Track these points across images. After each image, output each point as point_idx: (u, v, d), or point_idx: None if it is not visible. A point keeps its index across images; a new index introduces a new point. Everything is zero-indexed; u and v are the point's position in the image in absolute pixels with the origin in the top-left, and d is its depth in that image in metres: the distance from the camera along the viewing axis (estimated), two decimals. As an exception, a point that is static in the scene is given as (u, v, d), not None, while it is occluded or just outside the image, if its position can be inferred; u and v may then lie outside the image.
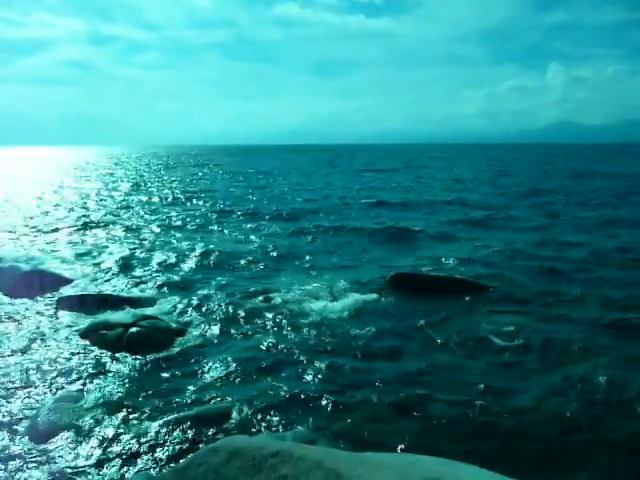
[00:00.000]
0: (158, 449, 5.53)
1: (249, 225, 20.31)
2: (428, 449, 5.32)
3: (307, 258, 14.43)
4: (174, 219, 22.00)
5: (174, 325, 9.19)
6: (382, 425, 6.04)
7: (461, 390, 6.85)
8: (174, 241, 17.14)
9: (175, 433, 5.80)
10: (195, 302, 10.49)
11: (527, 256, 14.45)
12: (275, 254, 14.99)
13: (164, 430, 5.85)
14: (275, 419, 6.17)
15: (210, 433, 5.81)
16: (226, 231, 19.19)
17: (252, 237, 17.77)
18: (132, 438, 5.72)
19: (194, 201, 28.35)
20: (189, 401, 6.62)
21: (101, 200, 29.48)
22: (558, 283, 11.73)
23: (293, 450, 2.74)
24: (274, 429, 5.95)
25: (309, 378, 7.23)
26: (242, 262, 14.08)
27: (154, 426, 5.93)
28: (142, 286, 11.81)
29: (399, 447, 5.53)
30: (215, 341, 8.58)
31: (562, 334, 8.70)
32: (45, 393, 6.76)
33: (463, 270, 12.73)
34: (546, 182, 39.37)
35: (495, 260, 14.13)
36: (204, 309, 10.12)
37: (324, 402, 6.57)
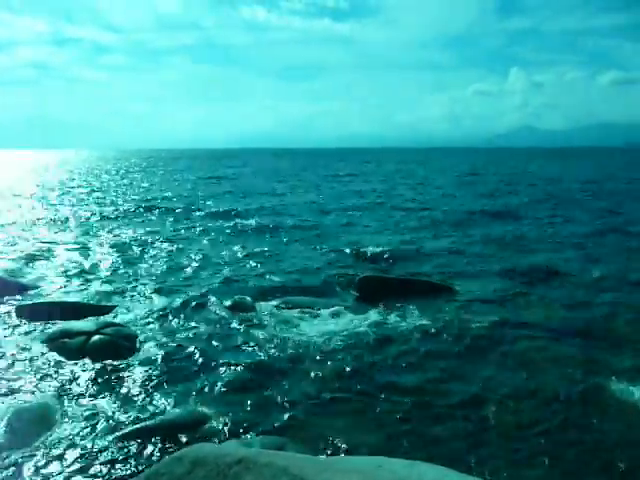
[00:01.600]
0: (121, 460, 5.39)
1: (225, 233, 20.11)
2: (396, 451, 5.38)
3: (272, 260, 14.38)
4: (130, 225, 21.45)
5: (138, 332, 9.01)
6: (352, 429, 6.02)
7: (429, 391, 6.92)
8: (134, 247, 16.78)
9: (139, 443, 5.67)
10: (160, 308, 10.31)
11: (489, 257, 14.75)
12: (238, 258, 14.86)
13: (128, 440, 5.71)
14: (243, 426, 6.09)
15: (175, 442, 5.70)
16: (189, 236, 18.92)
17: (220, 241, 17.64)
18: (94, 449, 5.56)
19: (152, 209, 27.69)
20: (154, 410, 6.47)
21: (53, 205, 28.67)
22: (520, 282, 12.02)
23: (258, 457, 2.69)
24: (242, 436, 5.88)
25: (277, 384, 7.16)
26: (207, 266, 13.94)
27: (118, 436, 5.78)
28: (104, 292, 11.52)
29: (368, 451, 5.52)
30: (180, 348, 8.43)
31: (526, 333, 8.90)
32: (2, 403, 6.52)
33: (428, 272, 12.92)
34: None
35: (456, 261, 14.39)
36: (169, 315, 9.95)
37: (293, 408, 6.53)
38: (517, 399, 6.70)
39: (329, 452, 5.48)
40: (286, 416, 6.32)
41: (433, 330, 9.03)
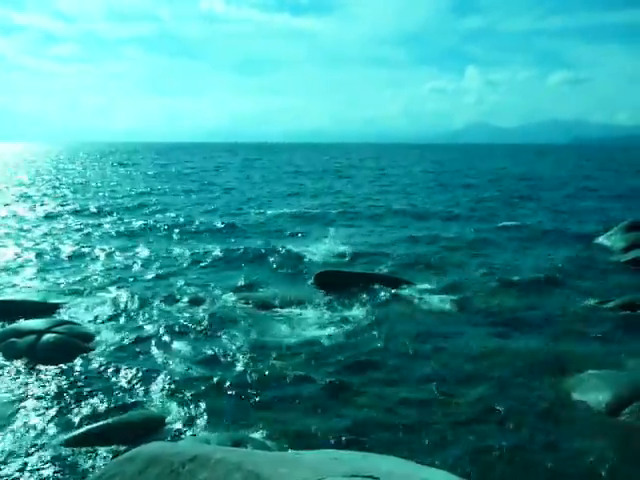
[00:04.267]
0: (71, 464, 5.24)
1: (175, 231, 19.72)
2: (355, 444, 5.45)
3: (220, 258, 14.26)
4: (80, 222, 20.65)
5: (92, 329, 8.80)
6: (311, 423, 6.05)
7: (385, 383, 7.04)
8: (87, 243, 16.30)
9: (91, 445, 5.53)
10: (116, 305, 10.10)
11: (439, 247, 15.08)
12: (187, 255, 14.61)
13: (79, 443, 5.57)
14: (200, 423, 6.05)
15: (130, 443, 5.58)
16: (141, 233, 18.41)
17: (173, 238, 17.34)
18: (48, 450, 5.42)
19: (103, 207, 26.80)
20: (108, 410, 6.34)
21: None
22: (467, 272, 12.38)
23: (212, 454, 2.68)
24: (199, 434, 5.83)
25: (235, 378, 7.12)
26: (162, 263, 13.71)
27: (71, 437, 5.65)
28: (55, 289, 11.17)
29: (326, 444, 5.56)
30: (135, 345, 8.29)
31: (480, 323, 9.16)
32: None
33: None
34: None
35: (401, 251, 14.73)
36: (126, 312, 9.76)
37: (252, 402, 6.53)
38: (471, 385, 6.90)
39: (288, 446, 5.50)
40: (244, 411, 6.31)
41: (387, 321, 9.20)
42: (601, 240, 16.22)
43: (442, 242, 16.63)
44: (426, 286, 11.37)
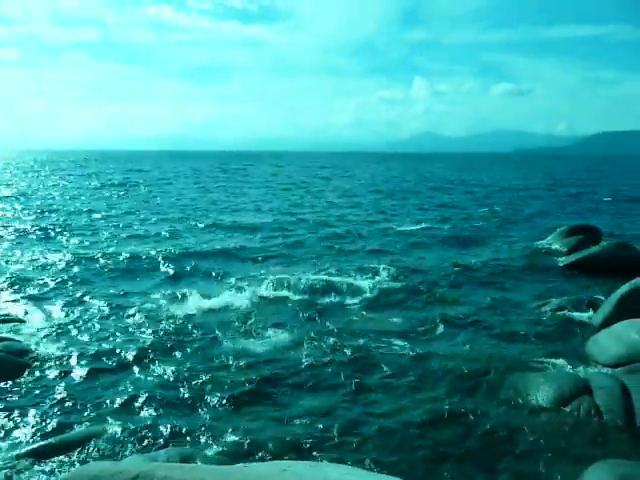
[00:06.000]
0: (12, 485, 4.99)
1: (122, 235, 19.12)
2: (305, 453, 5.41)
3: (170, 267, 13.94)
4: (18, 232, 19.54)
5: (32, 346, 8.40)
6: (261, 434, 5.98)
7: (335, 393, 7.03)
8: (24, 251, 15.57)
9: (33, 464, 5.28)
10: (57, 319, 9.73)
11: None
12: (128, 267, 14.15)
13: (21, 462, 5.31)
14: (147, 439, 5.87)
15: (74, 461, 5.36)
16: (81, 242, 17.70)
17: (117, 247, 16.78)
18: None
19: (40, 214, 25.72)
20: (50, 428, 6.07)
21: None
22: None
23: (155, 471, 2.59)
24: (144, 450, 5.64)
25: (183, 391, 6.96)
26: (106, 274, 13.26)
27: (9, 457, 5.37)
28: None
29: (277, 455, 5.50)
30: (78, 360, 7.95)
31: (421, 326, 9.32)
32: None
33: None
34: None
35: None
36: (67, 326, 9.38)
37: (202, 415, 6.39)
38: (417, 390, 7.00)
39: (239, 459, 5.40)
40: (194, 425, 6.15)
41: (330, 335, 9.21)
42: (541, 244, 16.89)
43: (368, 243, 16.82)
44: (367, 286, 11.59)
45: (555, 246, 16.27)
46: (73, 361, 7.93)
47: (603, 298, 10.36)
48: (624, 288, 9.52)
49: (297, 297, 11.12)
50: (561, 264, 14.36)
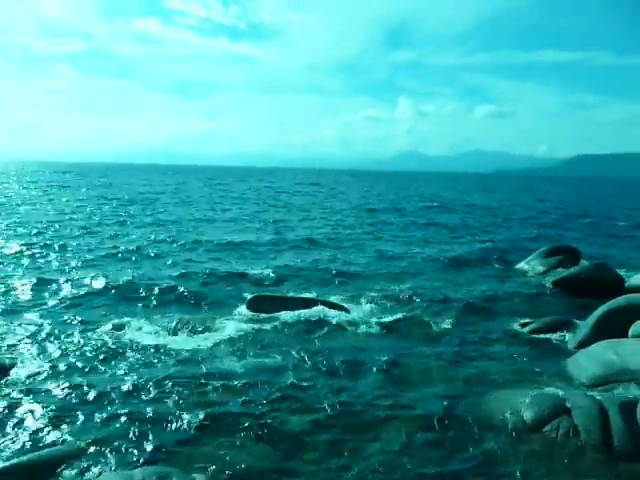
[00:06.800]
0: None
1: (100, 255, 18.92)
2: (288, 471, 5.36)
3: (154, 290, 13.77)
4: None
5: (7, 360, 8.21)
6: (241, 451, 5.92)
7: (316, 409, 6.99)
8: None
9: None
10: (27, 333, 9.54)
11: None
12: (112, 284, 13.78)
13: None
14: (124, 457, 5.75)
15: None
16: (61, 257, 17.29)
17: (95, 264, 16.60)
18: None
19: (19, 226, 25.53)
20: (21, 447, 5.92)
21: None
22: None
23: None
24: (122, 469, 5.53)
25: (161, 407, 6.86)
26: (82, 291, 12.88)
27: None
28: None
29: (256, 472, 5.48)
30: (50, 376, 7.78)
31: (406, 347, 9.34)
32: None
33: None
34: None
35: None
36: (38, 341, 9.20)
37: (179, 433, 6.29)
38: (398, 407, 6.99)
39: (217, 479, 5.34)
40: (171, 443, 6.05)
41: (316, 349, 9.18)
42: (521, 265, 17.06)
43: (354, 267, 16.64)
44: (357, 311, 11.51)
45: (534, 266, 16.45)
46: (48, 377, 7.76)
47: (580, 321, 10.44)
48: (602, 309, 9.66)
49: (282, 319, 10.92)
50: (540, 284, 14.53)
